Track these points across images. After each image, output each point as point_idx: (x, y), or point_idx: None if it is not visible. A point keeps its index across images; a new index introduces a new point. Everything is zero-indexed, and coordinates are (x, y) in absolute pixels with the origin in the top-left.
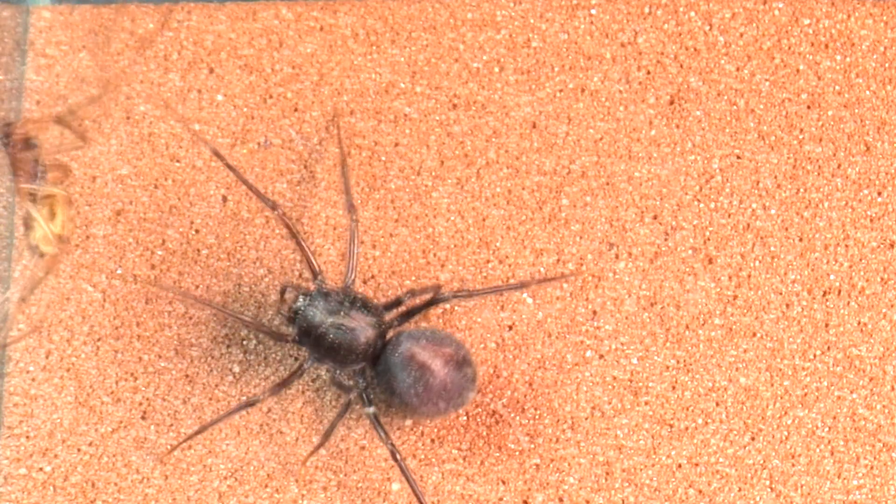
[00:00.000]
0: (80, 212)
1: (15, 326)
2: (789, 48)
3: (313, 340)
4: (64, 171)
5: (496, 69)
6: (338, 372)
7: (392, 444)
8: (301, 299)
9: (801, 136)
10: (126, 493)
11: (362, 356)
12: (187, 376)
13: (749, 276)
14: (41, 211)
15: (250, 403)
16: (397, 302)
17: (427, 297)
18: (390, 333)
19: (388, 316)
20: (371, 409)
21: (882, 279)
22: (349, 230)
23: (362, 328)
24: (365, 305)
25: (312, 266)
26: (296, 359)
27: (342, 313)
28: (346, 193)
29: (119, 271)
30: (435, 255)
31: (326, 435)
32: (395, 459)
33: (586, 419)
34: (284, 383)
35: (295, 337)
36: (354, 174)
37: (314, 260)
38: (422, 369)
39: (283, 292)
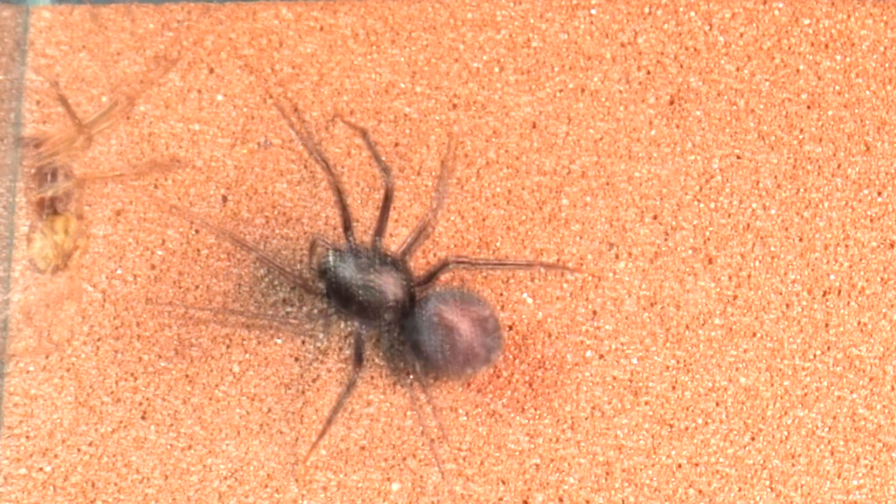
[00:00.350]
0: (82, 215)
1: (15, 327)
2: (789, 48)
3: (342, 297)
4: (79, 191)
5: (496, 69)
6: (363, 329)
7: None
8: (331, 255)
9: (801, 136)
10: (126, 494)
11: (390, 316)
12: (187, 376)
13: (749, 276)
14: (47, 226)
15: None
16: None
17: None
18: (419, 293)
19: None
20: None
21: (882, 279)
22: (385, 190)
23: (391, 287)
24: (394, 264)
25: (347, 221)
26: (296, 358)
27: (371, 271)
28: (375, 159)
29: (119, 271)
30: (435, 254)
31: (334, 412)
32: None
33: (586, 419)
34: (358, 357)
35: (324, 291)
36: (355, 174)
37: (349, 215)
38: (448, 330)
39: (312, 246)
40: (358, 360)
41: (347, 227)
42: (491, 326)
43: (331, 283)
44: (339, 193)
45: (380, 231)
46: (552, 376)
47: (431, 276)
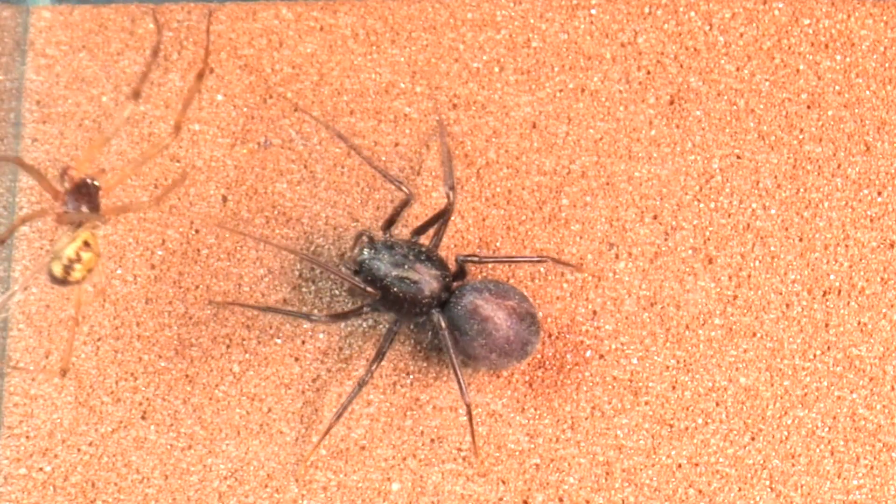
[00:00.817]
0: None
1: (15, 327)
2: (789, 48)
3: (379, 292)
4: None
5: (496, 69)
6: (397, 325)
7: (440, 314)
8: (366, 250)
9: (801, 136)
10: (126, 494)
11: (426, 308)
12: (187, 376)
13: (749, 276)
14: (71, 237)
15: (308, 317)
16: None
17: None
18: (454, 285)
19: None
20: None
21: (882, 279)
22: (448, 205)
23: (426, 281)
24: (429, 258)
25: (392, 219)
26: (297, 359)
27: (406, 266)
28: (450, 171)
29: (119, 271)
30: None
31: (340, 412)
32: (441, 328)
33: (586, 419)
34: (343, 316)
35: (362, 286)
36: (355, 174)
37: (394, 213)
38: (485, 322)
39: (357, 238)
40: (380, 356)
41: (389, 224)
42: (528, 318)
43: (367, 276)
44: (448, 211)
45: (420, 230)
46: (552, 376)
47: (462, 270)
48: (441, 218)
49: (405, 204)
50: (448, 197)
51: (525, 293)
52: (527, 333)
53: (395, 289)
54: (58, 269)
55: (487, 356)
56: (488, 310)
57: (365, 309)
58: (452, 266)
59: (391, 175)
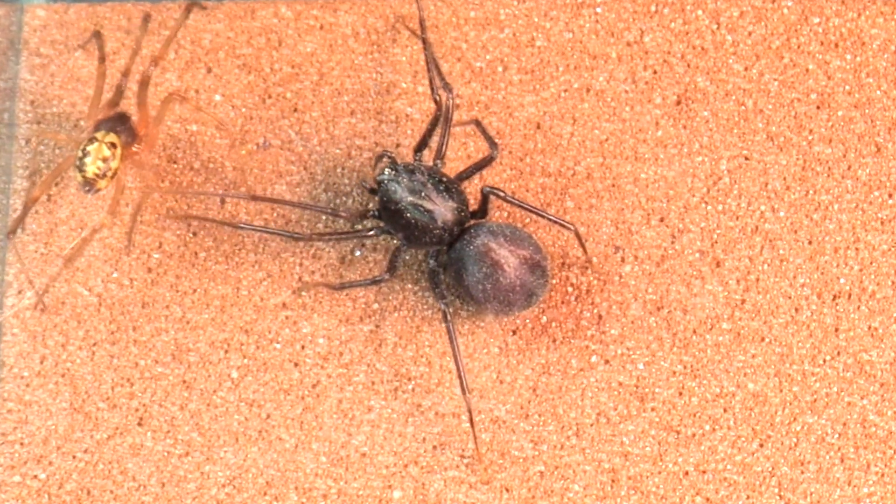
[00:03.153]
0: (74, 213)
1: (9, 332)
2: (799, 47)
3: (391, 215)
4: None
5: (499, 69)
6: (404, 249)
7: (445, 305)
8: (386, 171)
9: (810, 137)
10: (122, 502)
11: (436, 240)
12: (185, 382)
13: (757, 279)
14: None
15: (293, 236)
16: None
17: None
18: (471, 222)
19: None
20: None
21: (893, 283)
22: (445, 108)
23: (441, 212)
24: (449, 189)
25: (423, 142)
26: (296, 364)
27: (423, 194)
28: (438, 74)
29: (115, 275)
30: None
31: (355, 283)
32: (445, 320)
33: (591, 425)
34: (339, 236)
35: (375, 211)
36: (355, 175)
37: (426, 137)
38: (493, 267)
39: (378, 158)
40: (392, 268)
41: (420, 147)
42: (538, 270)
43: (382, 199)
44: (449, 112)
45: (440, 153)
46: (557, 382)
47: (483, 208)
48: (444, 125)
49: (436, 122)
50: (441, 99)
51: (539, 244)
52: (534, 285)
53: (409, 215)
54: (91, 168)
55: (489, 301)
56: (499, 255)
57: (372, 231)
58: (476, 199)
59: (435, 81)
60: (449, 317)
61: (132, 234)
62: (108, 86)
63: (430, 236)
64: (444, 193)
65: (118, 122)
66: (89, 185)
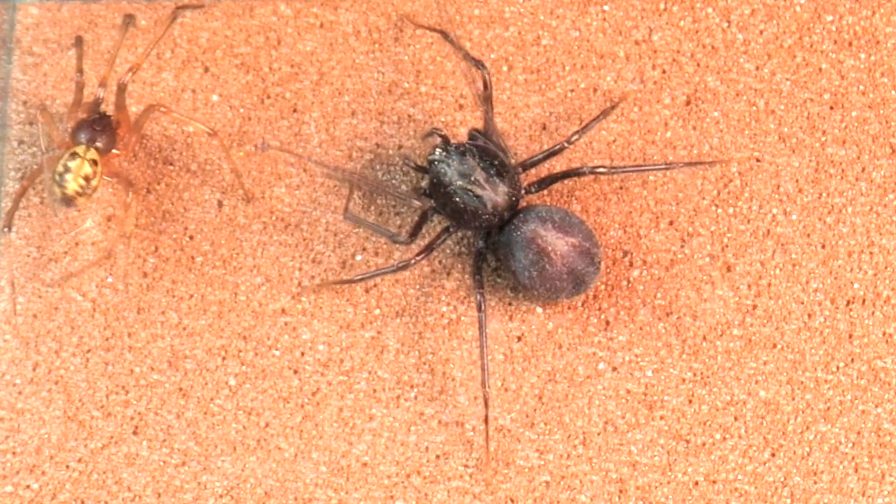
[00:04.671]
0: (68, 217)
1: (1, 338)
2: (811, 46)
3: (440, 196)
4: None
5: (504, 68)
6: (451, 229)
7: (481, 296)
8: (437, 151)
9: (823, 138)
10: None
11: (485, 224)
12: (181, 389)
13: (769, 284)
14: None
15: (393, 238)
16: (533, 164)
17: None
18: (522, 203)
19: (523, 180)
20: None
21: None
22: (482, 82)
23: (490, 197)
24: (501, 173)
25: (486, 121)
26: (295, 371)
27: (473, 178)
28: (465, 56)
29: (109, 279)
30: (440, 262)
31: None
32: (479, 310)
33: (599, 434)
34: (417, 230)
35: (426, 189)
36: (356, 175)
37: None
38: (540, 254)
39: (428, 134)
40: (414, 233)
41: (485, 128)
42: (587, 258)
43: (432, 179)
44: (487, 88)
45: (488, 130)
46: (563, 389)
47: (561, 178)
48: (488, 102)
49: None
50: (480, 76)
51: (591, 230)
52: (583, 273)
53: (457, 198)
54: (72, 186)
55: (536, 287)
56: (547, 241)
57: (429, 214)
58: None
59: (468, 57)
60: (483, 307)
61: (122, 240)
62: (90, 88)
63: (479, 220)
64: (496, 178)
65: (98, 125)
66: (68, 201)
